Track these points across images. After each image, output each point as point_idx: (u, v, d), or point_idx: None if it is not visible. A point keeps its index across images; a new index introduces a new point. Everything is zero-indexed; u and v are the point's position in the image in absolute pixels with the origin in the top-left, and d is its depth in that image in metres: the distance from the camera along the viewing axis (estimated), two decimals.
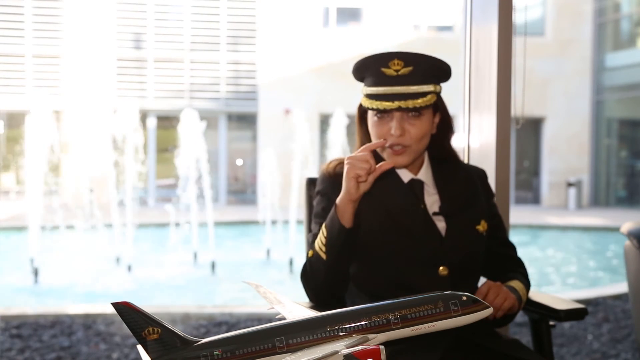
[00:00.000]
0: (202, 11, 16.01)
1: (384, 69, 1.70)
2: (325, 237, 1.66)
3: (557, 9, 16.69)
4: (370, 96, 1.73)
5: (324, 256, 1.67)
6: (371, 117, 1.77)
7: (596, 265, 8.34)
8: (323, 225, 1.69)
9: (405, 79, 1.69)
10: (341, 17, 16.50)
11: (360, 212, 1.64)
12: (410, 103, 1.68)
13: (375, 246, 1.73)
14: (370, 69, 1.73)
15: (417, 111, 1.71)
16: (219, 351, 1.04)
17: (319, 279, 1.72)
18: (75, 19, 15.46)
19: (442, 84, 1.81)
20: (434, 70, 1.74)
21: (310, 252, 1.73)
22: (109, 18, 15.60)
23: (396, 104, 1.68)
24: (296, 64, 16.05)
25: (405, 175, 1.80)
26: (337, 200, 1.64)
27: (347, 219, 1.62)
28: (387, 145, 1.72)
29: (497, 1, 2.32)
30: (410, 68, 1.69)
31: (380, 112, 1.72)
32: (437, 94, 1.76)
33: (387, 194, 1.76)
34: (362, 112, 1.84)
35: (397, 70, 1.69)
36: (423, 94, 1.70)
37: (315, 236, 1.77)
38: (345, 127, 10.96)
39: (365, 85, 1.77)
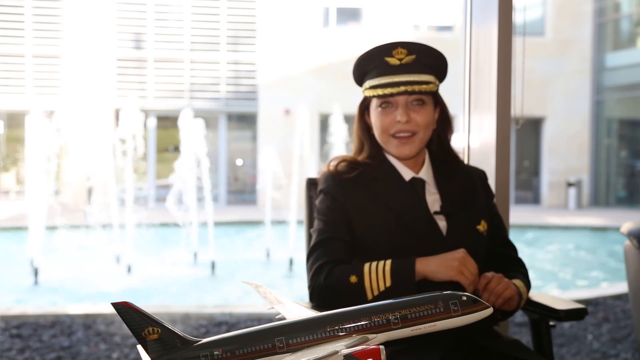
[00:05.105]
0: (202, 11, 16.00)
1: (388, 58, 1.74)
2: (385, 285, 1.63)
3: (557, 9, 16.68)
4: (374, 87, 1.76)
5: (369, 295, 1.63)
6: (375, 109, 1.79)
7: (596, 265, 8.33)
8: (387, 268, 1.64)
9: (409, 67, 1.73)
10: (341, 17, 16.49)
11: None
12: (415, 87, 1.73)
13: (378, 243, 1.73)
14: (374, 60, 1.77)
15: (421, 100, 1.76)
16: (219, 351, 1.04)
17: (343, 301, 1.55)
18: (75, 19, 15.45)
19: (441, 84, 1.84)
20: (435, 60, 1.78)
21: (354, 279, 1.65)
22: (109, 18, 15.59)
23: (402, 88, 1.72)
24: (296, 64, 16.05)
25: (407, 174, 1.82)
26: (422, 264, 1.63)
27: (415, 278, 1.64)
28: (391, 133, 1.76)
29: (497, 1, 2.32)
30: (413, 56, 1.74)
31: (385, 101, 1.76)
32: (437, 87, 1.80)
33: (389, 192, 1.77)
34: (363, 109, 1.86)
35: (400, 59, 1.74)
36: (426, 82, 1.75)
37: (320, 232, 1.77)
38: (345, 127, 10.96)
39: (367, 79, 1.79)
